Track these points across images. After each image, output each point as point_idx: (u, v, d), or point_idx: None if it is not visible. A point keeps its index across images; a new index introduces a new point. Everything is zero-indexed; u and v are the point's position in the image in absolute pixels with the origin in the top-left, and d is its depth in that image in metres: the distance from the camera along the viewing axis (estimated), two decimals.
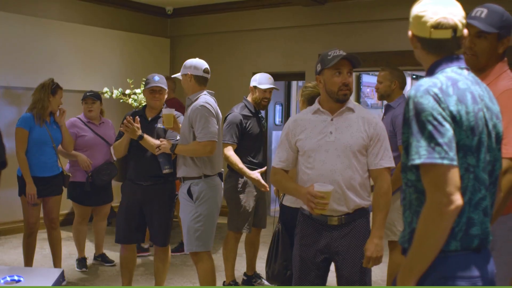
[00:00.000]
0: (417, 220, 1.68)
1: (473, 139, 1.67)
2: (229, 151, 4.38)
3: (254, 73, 7.63)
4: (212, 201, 3.85)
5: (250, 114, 4.52)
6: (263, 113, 5.07)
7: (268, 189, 4.44)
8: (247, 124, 4.47)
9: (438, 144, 1.59)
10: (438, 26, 1.74)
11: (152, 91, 4.16)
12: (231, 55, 7.66)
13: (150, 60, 7.82)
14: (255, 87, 4.54)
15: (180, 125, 4.02)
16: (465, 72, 1.79)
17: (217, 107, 3.92)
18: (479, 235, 1.70)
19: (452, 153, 1.59)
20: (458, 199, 1.58)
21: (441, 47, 1.77)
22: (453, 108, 1.64)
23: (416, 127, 1.63)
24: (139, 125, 4.00)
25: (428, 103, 1.63)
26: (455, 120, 1.64)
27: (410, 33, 1.83)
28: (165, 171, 4.01)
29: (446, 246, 1.64)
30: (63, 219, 6.63)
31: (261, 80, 4.54)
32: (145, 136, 3.99)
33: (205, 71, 3.94)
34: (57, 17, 6.85)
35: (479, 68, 2.35)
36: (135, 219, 4.12)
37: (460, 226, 1.67)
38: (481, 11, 2.31)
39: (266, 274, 3.67)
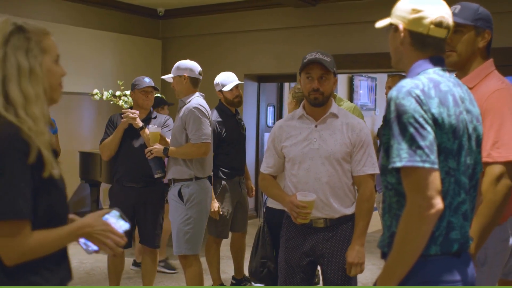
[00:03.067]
0: (396, 223, 1.64)
1: (454, 142, 1.64)
2: None
3: (246, 75, 7.71)
4: (203, 204, 3.83)
5: (225, 119, 4.45)
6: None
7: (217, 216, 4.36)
8: (223, 130, 4.40)
9: (420, 147, 1.55)
10: (439, 24, 1.71)
11: (145, 92, 4.16)
12: (223, 57, 7.61)
13: (141, 61, 7.77)
14: (220, 91, 4.47)
15: (168, 139, 4.02)
16: (447, 74, 1.75)
17: (209, 110, 3.91)
18: (459, 239, 1.67)
19: (433, 157, 1.56)
20: (438, 203, 1.55)
21: (432, 46, 1.73)
22: (435, 110, 1.60)
23: (397, 129, 1.59)
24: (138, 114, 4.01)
25: (410, 105, 1.59)
26: (437, 123, 1.60)
27: (401, 26, 1.76)
28: (157, 175, 4.00)
29: (426, 250, 1.62)
30: None
31: (224, 82, 4.47)
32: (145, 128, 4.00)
33: (200, 73, 3.97)
34: (46, 18, 6.77)
35: (460, 65, 2.30)
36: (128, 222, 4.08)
37: (440, 230, 1.64)
38: (455, 8, 2.28)
39: (248, 271, 3.67)
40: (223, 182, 4.42)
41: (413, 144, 1.56)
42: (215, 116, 4.40)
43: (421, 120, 1.57)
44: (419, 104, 1.59)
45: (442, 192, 1.58)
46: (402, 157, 1.57)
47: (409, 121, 1.57)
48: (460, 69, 2.31)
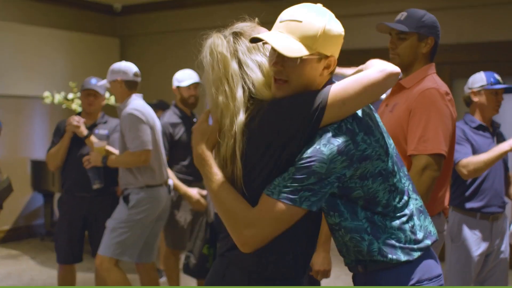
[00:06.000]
0: (361, 253, 1.59)
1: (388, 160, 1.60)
2: None
3: None
4: (149, 212, 3.64)
5: (179, 121, 4.17)
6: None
7: (203, 208, 4.10)
8: (176, 133, 4.13)
9: None
10: None
11: (87, 95, 3.90)
12: (186, 56, 7.15)
13: (97, 61, 7.27)
14: (178, 87, 4.20)
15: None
16: None
17: (150, 111, 3.67)
18: (425, 237, 1.64)
19: None
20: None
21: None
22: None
23: None
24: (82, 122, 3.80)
25: None
26: None
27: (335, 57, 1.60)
28: (95, 186, 3.74)
29: (410, 257, 1.59)
30: (4, 236, 6.22)
31: (182, 78, 4.21)
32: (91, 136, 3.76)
33: (136, 74, 3.73)
34: None
35: (403, 68, 2.43)
36: (78, 236, 3.88)
37: (407, 237, 1.59)
38: (402, 15, 2.47)
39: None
40: None
41: None
42: (167, 117, 4.17)
43: None
44: None
45: (395, 208, 1.58)
46: None
47: None
48: (404, 71, 2.46)
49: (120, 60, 7.58)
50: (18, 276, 5.14)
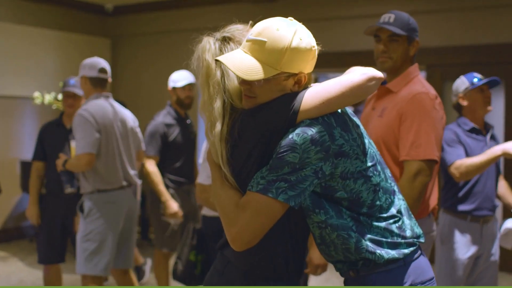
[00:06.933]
0: (349, 251, 1.58)
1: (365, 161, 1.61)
2: (151, 167, 4.01)
3: None
4: (106, 218, 3.47)
5: (173, 122, 4.16)
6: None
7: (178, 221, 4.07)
8: (170, 133, 4.11)
9: None
10: None
11: (66, 97, 3.86)
12: (178, 56, 7.13)
13: None
14: (173, 88, 4.19)
15: None
16: None
17: (105, 112, 3.48)
18: (412, 236, 1.64)
19: None
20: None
21: None
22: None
23: None
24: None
25: None
26: None
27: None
28: (67, 190, 3.62)
29: (401, 252, 1.58)
30: None
31: (178, 79, 4.20)
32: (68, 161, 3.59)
33: (101, 70, 3.54)
34: None
35: (394, 71, 2.49)
36: (58, 236, 3.87)
37: (394, 236, 1.59)
38: (389, 17, 2.46)
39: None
40: (171, 190, 4.12)
41: None
42: (162, 117, 4.14)
43: None
44: None
45: (381, 208, 1.58)
46: None
47: None
48: (393, 74, 2.50)
49: (112, 60, 7.58)
50: (6, 277, 5.09)
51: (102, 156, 3.46)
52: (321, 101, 1.49)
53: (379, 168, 1.60)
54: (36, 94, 5.72)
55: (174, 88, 4.18)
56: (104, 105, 3.51)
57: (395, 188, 1.66)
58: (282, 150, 1.46)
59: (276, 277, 1.62)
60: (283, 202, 1.46)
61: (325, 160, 1.47)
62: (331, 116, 1.51)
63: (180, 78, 4.18)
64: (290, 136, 1.47)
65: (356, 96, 1.55)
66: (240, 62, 1.50)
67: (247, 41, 1.54)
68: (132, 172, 3.66)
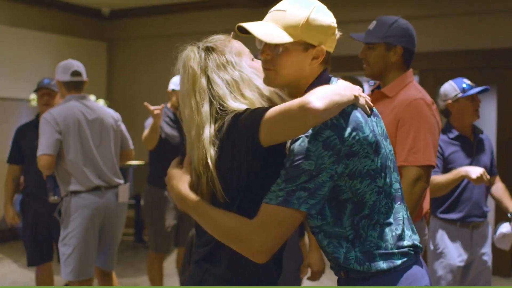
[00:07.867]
0: (343, 253, 1.55)
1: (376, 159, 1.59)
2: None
3: None
4: (80, 221, 3.37)
5: (170, 123, 4.21)
6: None
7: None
8: (165, 134, 4.15)
9: None
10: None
11: (41, 95, 3.83)
12: (174, 60, 7.15)
13: (84, 65, 7.15)
14: (173, 90, 4.21)
15: None
16: None
17: (73, 113, 3.43)
18: (408, 245, 1.59)
19: None
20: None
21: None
22: None
23: None
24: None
25: None
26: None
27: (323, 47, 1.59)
28: (50, 199, 3.50)
29: (392, 264, 1.55)
30: None
31: (178, 81, 4.15)
32: None
33: (74, 73, 3.51)
34: None
35: (375, 77, 2.54)
36: (44, 236, 3.86)
37: (388, 245, 1.55)
38: (372, 23, 2.49)
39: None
40: (165, 192, 4.09)
41: None
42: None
43: None
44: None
45: (379, 211, 1.55)
46: None
47: None
48: (377, 79, 2.55)
49: (108, 64, 7.61)
50: (0, 279, 5.10)
51: (67, 157, 3.38)
52: (269, 128, 1.48)
53: (386, 171, 1.57)
54: (32, 96, 5.73)
55: (173, 91, 4.21)
56: (72, 106, 3.44)
57: (399, 194, 1.63)
58: (297, 159, 1.46)
59: (258, 280, 1.61)
60: (305, 211, 1.46)
61: (338, 162, 1.46)
62: (340, 117, 1.48)
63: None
64: (303, 144, 1.46)
65: (295, 129, 1.47)
66: (261, 28, 1.55)
67: (269, 12, 1.60)
68: (111, 172, 3.56)
